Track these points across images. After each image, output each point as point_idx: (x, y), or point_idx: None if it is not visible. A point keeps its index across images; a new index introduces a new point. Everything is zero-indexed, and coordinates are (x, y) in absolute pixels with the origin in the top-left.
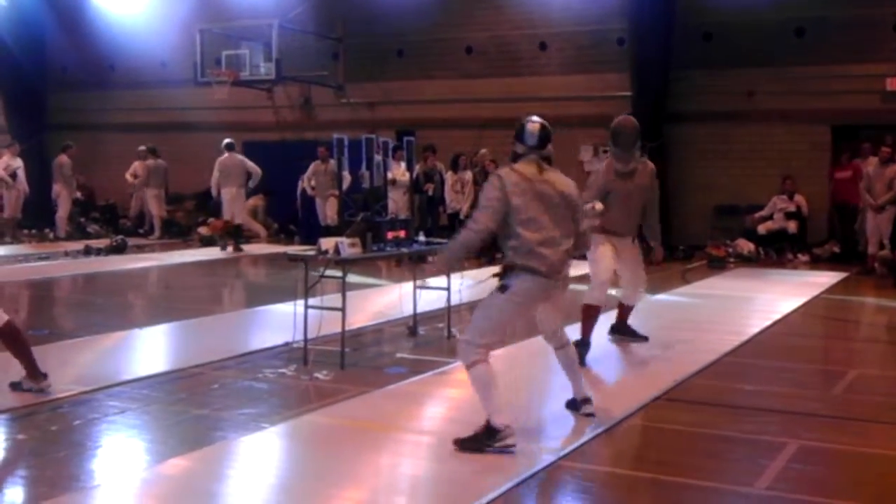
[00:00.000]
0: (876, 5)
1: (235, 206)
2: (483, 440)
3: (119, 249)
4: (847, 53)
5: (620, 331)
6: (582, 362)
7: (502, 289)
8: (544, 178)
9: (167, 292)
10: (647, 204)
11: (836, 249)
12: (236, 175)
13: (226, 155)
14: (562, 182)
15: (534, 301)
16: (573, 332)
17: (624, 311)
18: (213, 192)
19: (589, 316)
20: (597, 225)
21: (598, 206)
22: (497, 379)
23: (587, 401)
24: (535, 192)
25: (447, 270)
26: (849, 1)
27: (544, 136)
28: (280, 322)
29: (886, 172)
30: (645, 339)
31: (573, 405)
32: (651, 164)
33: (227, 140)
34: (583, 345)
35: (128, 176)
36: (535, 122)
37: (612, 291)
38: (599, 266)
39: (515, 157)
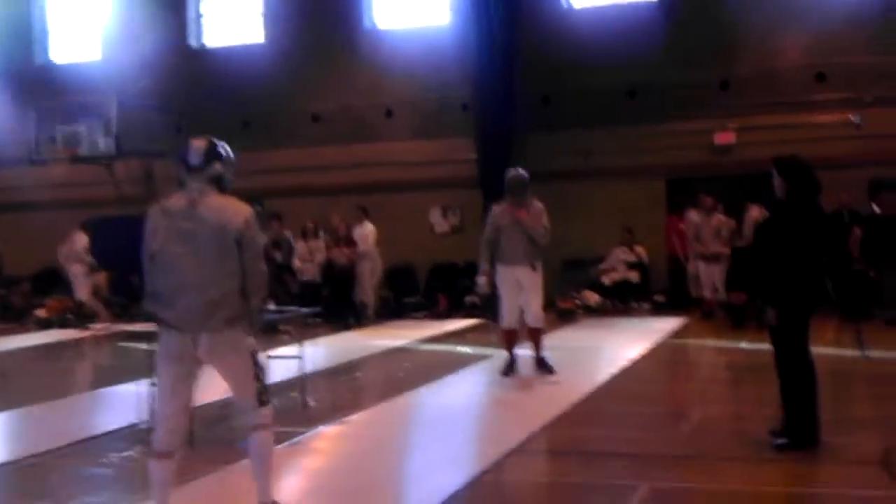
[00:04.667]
0: (702, 67)
1: (83, 283)
2: None
3: None
4: (676, 112)
5: (538, 365)
6: (507, 373)
7: None
8: (196, 211)
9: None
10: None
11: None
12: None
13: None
14: (221, 211)
15: (174, 361)
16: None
17: (534, 335)
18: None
19: (506, 338)
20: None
21: (482, 280)
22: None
23: None
24: (177, 230)
25: None
26: (676, 64)
27: (210, 153)
28: (125, 402)
29: (712, 221)
30: (551, 371)
31: None
32: (539, 204)
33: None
34: (510, 362)
35: None
36: (200, 140)
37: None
38: (504, 304)
39: (181, 185)
